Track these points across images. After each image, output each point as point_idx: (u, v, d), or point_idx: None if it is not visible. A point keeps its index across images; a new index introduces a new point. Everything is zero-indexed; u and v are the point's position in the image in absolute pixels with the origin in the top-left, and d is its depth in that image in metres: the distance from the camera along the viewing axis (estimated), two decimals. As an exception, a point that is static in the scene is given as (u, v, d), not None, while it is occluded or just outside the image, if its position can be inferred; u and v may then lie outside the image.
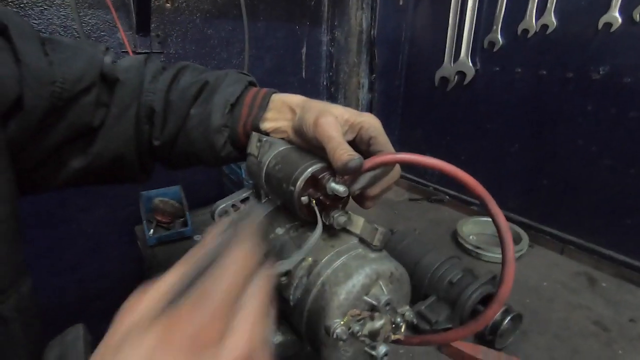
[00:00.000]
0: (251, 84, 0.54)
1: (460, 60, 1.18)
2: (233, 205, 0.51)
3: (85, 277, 1.22)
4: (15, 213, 0.42)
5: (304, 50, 1.42)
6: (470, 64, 1.16)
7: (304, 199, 0.39)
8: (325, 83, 1.53)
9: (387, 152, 0.42)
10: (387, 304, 0.35)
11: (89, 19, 1.00)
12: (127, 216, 1.22)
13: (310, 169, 0.39)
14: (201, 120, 0.52)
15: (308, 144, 0.45)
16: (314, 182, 0.39)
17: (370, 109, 1.49)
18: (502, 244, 0.36)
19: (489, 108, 1.15)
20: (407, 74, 1.39)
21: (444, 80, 1.24)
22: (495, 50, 1.09)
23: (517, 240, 1.03)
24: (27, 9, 0.92)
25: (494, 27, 1.07)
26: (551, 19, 0.96)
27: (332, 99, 1.50)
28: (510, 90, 1.09)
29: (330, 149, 0.39)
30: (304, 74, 1.45)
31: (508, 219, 1.17)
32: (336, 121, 0.42)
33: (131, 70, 0.52)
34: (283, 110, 0.49)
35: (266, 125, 0.49)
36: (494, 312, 0.37)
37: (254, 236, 0.26)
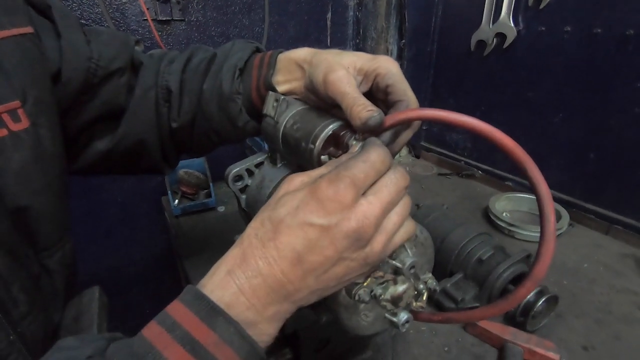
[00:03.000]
0: (258, 49, 0.53)
1: (500, 20, 1.06)
2: (247, 170, 0.49)
3: (119, 243, 1.28)
4: (65, 172, 0.45)
5: (329, 15, 1.35)
6: (512, 25, 1.04)
7: (324, 157, 0.37)
8: (351, 50, 1.46)
9: (411, 109, 0.38)
10: (412, 267, 0.33)
11: (109, -15, 0.98)
12: (154, 187, 1.24)
13: (330, 126, 0.37)
14: (214, 93, 0.51)
15: (323, 102, 0.42)
16: (334, 140, 0.38)
17: (399, 78, 1.41)
18: (541, 215, 0.31)
19: (531, 74, 1.05)
20: (440, 38, 1.29)
21: (481, 43, 1.13)
22: (541, 7, 0.97)
23: (556, 218, 0.95)
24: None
25: (542, -20, 0.95)
26: (612, -33, 0.83)
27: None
28: (557, 52, 0.97)
29: (346, 106, 0.36)
30: (329, 41, 1.38)
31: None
32: (347, 74, 0.38)
33: (154, 56, 0.56)
34: (292, 69, 0.46)
35: (279, 89, 0.47)
36: (527, 291, 0.33)
37: (386, 149, 0.31)
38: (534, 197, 1.05)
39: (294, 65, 0.46)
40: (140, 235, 1.30)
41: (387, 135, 0.39)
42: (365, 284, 0.33)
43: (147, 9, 1.00)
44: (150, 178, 1.24)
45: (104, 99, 0.50)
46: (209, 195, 1.12)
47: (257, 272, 0.28)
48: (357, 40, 1.43)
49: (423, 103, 1.38)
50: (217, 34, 1.16)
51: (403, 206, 0.31)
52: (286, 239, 0.28)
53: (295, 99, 0.46)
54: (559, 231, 0.93)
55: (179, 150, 0.61)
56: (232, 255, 0.29)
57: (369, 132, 0.36)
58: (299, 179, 0.31)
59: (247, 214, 0.50)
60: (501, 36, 1.08)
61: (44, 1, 0.44)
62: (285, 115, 0.42)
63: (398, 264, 0.32)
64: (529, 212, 1.04)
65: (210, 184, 1.11)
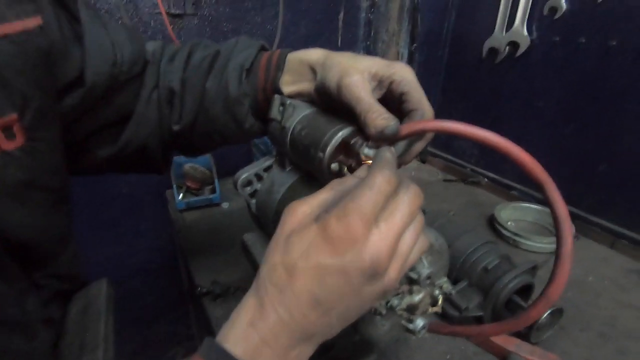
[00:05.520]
0: (263, 48, 0.51)
1: (514, 28, 1.06)
2: (256, 174, 0.49)
3: (122, 234, 1.28)
4: (66, 184, 0.42)
5: (341, 16, 1.34)
6: (526, 33, 1.04)
7: (334, 166, 0.36)
8: (361, 52, 1.45)
9: (428, 120, 0.37)
10: (428, 277, 0.32)
11: (124, -24, 0.98)
12: (159, 180, 1.24)
13: (340, 133, 0.36)
14: (219, 93, 0.49)
15: (334, 106, 0.40)
16: (345, 147, 0.36)
17: (408, 82, 1.40)
18: (558, 236, 0.31)
19: (543, 83, 1.04)
20: (452, 43, 1.28)
21: (493, 51, 1.13)
22: (557, 17, 0.97)
23: (561, 229, 0.95)
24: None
25: (558, -11, 0.95)
26: (630, -20, 0.82)
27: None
28: (571, 63, 0.97)
29: (361, 112, 0.36)
30: (339, 42, 1.38)
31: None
32: (363, 79, 0.37)
33: (155, 54, 0.52)
34: (302, 71, 0.44)
35: (286, 90, 0.45)
36: (538, 313, 0.33)
37: (393, 165, 0.30)
38: (539, 207, 1.04)
39: (306, 67, 0.44)
40: (143, 226, 1.30)
41: (401, 145, 0.38)
42: None
43: (161, 1, 1.00)
44: (155, 171, 1.24)
45: (118, 105, 0.47)
46: (213, 191, 1.12)
47: (278, 319, 0.28)
48: (368, 42, 1.42)
49: (432, 107, 1.38)
50: (229, 29, 1.16)
51: (416, 225, 0.30)
52: (301, 283, 0.27)
53: (303, 100, 0.44)
54: (564, 243, 0.93)
55: (178, 151, 0.59)
56: (250, 304, 0.29)
57: (383, 140, 0.35)
58: (300, 210, 0.30)
59: (258, 218, 0.50)
60: (514, 44, 1.07)
61: None
62: (292, 120, 0.41)
63: (414, 276, 0.32)
64: (534, 222, 1.03)
65: (216, 180, 1.11)
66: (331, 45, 1.37)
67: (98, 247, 1.25)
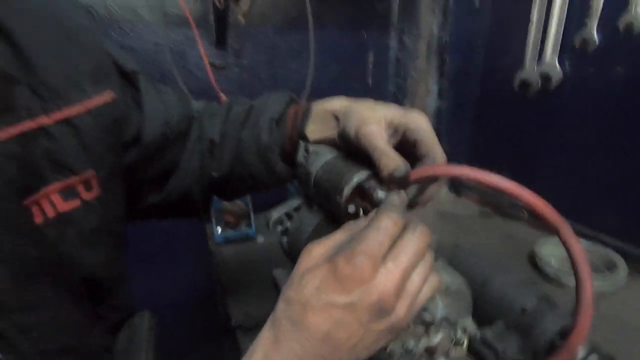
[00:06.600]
0: (292, 100, 0.56)
1: (545, 61, 1.06)
2: (287, 214, 0.53)
3: (158, 267, 1.34)
4: (125, 228, 0.48)
5: (370, 56, 1.41)
6: (557, 66, 1.03)
7: (351, 208, 0.38)
8: (391, 90, 1.50)
9: (438, 164, 0.40)
10: (445, 319, 0.33)
11: (175, 35, 1.11)
12: (198, 214, 1.31)
13: (356, 178, 0.39)
14: (252, 142, 0.54)
15: (355, 151, 0.44)
16: (360, 191, 0.39)
17: (438, 116, 1.41)
18: (577, 279, 0.31)
19: (579, 116, 1.01)
20: (482, 78, 1.29)
21: (525, 84, 1.12)
22: (589, 49, 0.96)
23: (611, 268, 0.88)
24: (123, 26, 1.06)
25: (588, 22, 0.94)
26: (664, 10, 0.81)
27: (399, 105, 1.45)
28: (608, 94, 0.94)
29: (376, 159, 0.39)
30: (370, 80, 1.43)
31: (600, 241, 1.00)
32: (379, 128, 0.41)
33: (199, 111, 0.58)
34: (327, 119, 0.49)
35: (312, 137, 0.50)
36: None
37: (399, 207, 0.32)
38: (585, 243, 0.97)
39: (329, 116, 0.49)
40: (180, 260, 1.36)
41: (412, 189, 0.40)
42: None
43: (205, 56, 1.11)
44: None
45: (168, 159, 0.54)
46: (249, 225, 1.17)
47: (293, 353, 0.30)
48: (397, 80, 1.47)
49: (463, 143, 1.37)
50: (267, 76, 1.26)
51: (425, 265, 0.32)
52: (313, 320, 0.30)
53: (327, 146, 0.48)
54: (616, 284, 0.86)
55: (217, 196, 0.64)
56: (265, 338, 0.32)
57: (395, 183, 0.37)
58: (316, 251, 0.33)
59: (289, 255, 0.53)
60: (546, 77, 1.06)
61: (132, 67, 0.46)
62: (315, 166, 0.45)
63: (428, 317, 0.33)
64: (581, 259, 0.97)
65: (251, 214, 1.17)
66: (362, 84, 1.43)
67: (134, 279, 1.31)
